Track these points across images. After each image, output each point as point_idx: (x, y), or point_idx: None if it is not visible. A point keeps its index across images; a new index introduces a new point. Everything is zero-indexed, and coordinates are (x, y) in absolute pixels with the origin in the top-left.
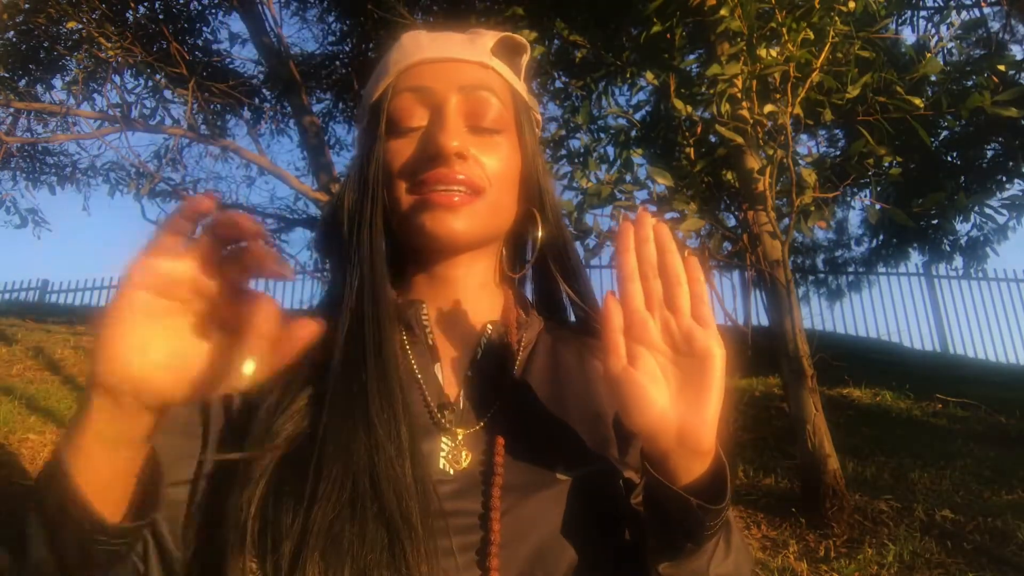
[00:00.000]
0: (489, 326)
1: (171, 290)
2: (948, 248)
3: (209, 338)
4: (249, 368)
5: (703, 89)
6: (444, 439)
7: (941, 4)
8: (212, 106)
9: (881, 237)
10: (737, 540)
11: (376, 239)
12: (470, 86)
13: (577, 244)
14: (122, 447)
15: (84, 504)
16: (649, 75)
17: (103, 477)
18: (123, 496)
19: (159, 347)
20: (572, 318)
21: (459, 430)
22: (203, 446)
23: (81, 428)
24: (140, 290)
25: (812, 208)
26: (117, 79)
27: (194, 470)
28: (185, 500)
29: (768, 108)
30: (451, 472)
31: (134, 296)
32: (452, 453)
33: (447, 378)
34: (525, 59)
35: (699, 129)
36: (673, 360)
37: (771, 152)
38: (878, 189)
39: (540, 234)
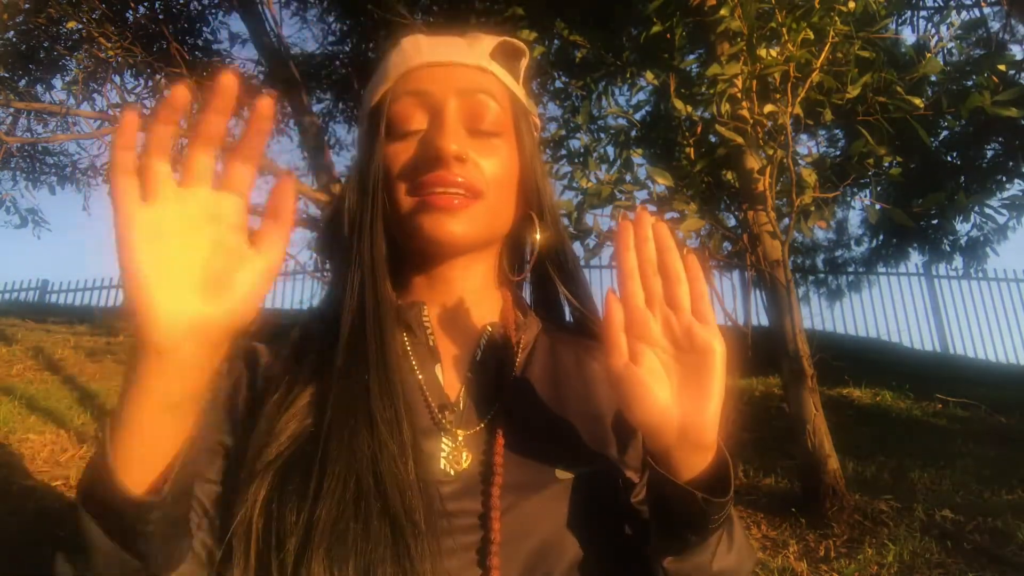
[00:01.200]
0: (488, 327)
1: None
2: (948, 248)
3: (237, 246)
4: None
5: (703, 89)
6: (445, 440)
7: (941, 4)
8: None
9: (881, 237)
10: (739, 535)
11: (376, 241)
12: (469, 90)
13: (577, 244)
14: (187, 404)
15: (126, 492)
16: (649, 75)
17: (155, 447)
18: (162, 465)
19: (192, 276)
20: (569, 319)
21: (459, 431)
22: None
23: (139, 402)
24: (139, 206)
25: (812, 208)
26: (117, 79)
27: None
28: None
29: (768, 108)
30: (451, 473)
31: (135, 217)
32: (452, 454)
33: (448, 379)
34: (524, 63)
35: (699, 129)
36: (674, 356)
37: (771, 152)
38: (878, 189)
39: (538, 237)
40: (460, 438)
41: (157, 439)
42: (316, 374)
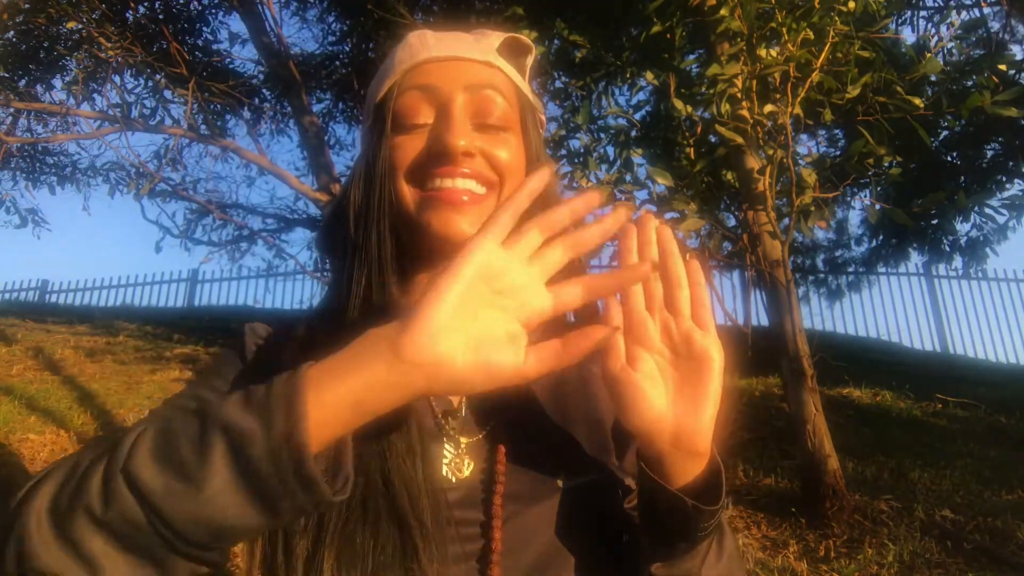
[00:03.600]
0: None
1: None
2: (948, 248)
3: (515, 328)
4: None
5: (703, 89)
6: (447, 446)
7: (941, 4)
8: (212, 106)
9: (881, 237)
10: (730, 545)
11: (384, 237)
12: (476, 85)
13: None
14: (370, 412)
15: (318, 480)
16: (649, 75)
17: (332, 436)
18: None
19: (466, 332)
20: (570, 320)
21: (462, 439)
22: None
23: (353, 394)
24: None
25: (812, 208)
26: (117, 79)
27: None
28: None
29: (768, 108)
30: (453, 480)
31: (472, 286)
32: (454, 461)
33: None
34: (530, 59)
35: (699, 129)
36: (672, 362)
37: (771, 152)
38: (878, 189)
39: None
40: (463, 445)
41: (336, 428)
42: None
